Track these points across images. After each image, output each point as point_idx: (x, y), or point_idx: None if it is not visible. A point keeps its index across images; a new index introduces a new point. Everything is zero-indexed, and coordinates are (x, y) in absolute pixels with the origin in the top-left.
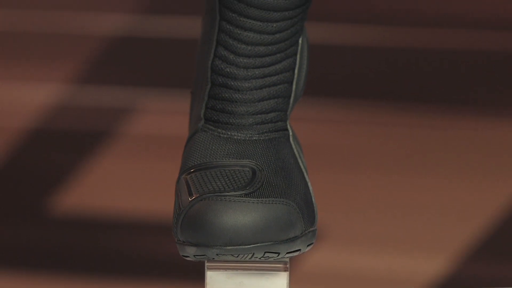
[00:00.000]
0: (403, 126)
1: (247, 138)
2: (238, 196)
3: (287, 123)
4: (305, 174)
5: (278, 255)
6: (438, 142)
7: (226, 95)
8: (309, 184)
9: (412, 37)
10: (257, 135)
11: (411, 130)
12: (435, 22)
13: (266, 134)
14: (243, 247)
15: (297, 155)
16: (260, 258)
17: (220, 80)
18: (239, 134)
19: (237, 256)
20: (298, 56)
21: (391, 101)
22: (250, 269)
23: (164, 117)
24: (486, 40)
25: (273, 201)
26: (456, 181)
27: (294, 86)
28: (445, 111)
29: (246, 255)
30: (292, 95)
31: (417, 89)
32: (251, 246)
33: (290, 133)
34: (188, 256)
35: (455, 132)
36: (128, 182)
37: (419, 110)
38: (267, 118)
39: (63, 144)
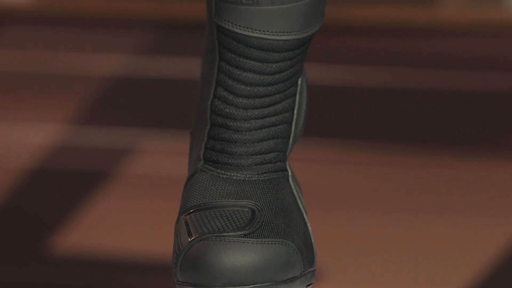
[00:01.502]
0: (402, 167)
1: (247, 179)
2: (238, 237)
3: (287, 163)
4: (304, 214)
5: None
6: (438, 182)
7: (226, 136)
8: (309, 224)
9: (410, 78)
10: (257, 176)
11: (410, 171)
12: (434, 63)
13: (265, 174)
14: (243, 287)
15: (296, 195)
16: None
17: (219, 120)
18: (239, 175)
19: None
20: (297, 96)
21: (390, 141)
22: None
23: (163, 157)
24: (486, 81)
25: (272, 241)
26: (457, 221)
27: (293, 127)
28: (445, 151)
29: None
30: (292, 135)
31: (416, 130)
32: (251, 286)
33: (290, 174)
34: None
35: (455, 172)
36: (127, 223)
37: (418, 150)
38: (266, 159)
39: (63, 184)
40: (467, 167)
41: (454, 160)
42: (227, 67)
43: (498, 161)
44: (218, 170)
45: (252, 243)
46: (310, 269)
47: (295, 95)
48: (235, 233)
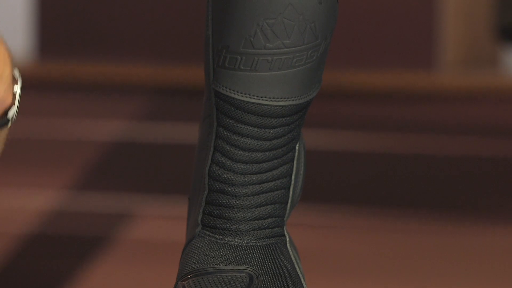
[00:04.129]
0: (401, 232)
1: (244, 244)
2: None
3: (284, 228)
4: (302, 280)
5: None
6: (438, 248)
7: (223, 201)
8: None
9: (408, 143)
10: (254, 241)
11: (410, 236)
12: (431, 129)
13: (263, 239)
14: None
15: (294, 260)
16: None
17: (217, 186)
18: (236, 240)
19: None
20: (295, 162)
21: (389, 207)
22: None
23: (161, 222)
24: (485, 146)
25: None
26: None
27: (291, 192)
28: (444, 217)
29: None
30: (289, 201)
31: (414, 195)
32: None
33: (287, 239)
34: None
35: (456, 238)
36: None
37: (418, 216)
38: (264, 224)
39: (61, 250)
40: (467, 232)
41: (454, 225)
42: (225, 133)
43: (498, 227)
44: (216, 236)
45: None
46: None
47: (292, 160)
48: None
